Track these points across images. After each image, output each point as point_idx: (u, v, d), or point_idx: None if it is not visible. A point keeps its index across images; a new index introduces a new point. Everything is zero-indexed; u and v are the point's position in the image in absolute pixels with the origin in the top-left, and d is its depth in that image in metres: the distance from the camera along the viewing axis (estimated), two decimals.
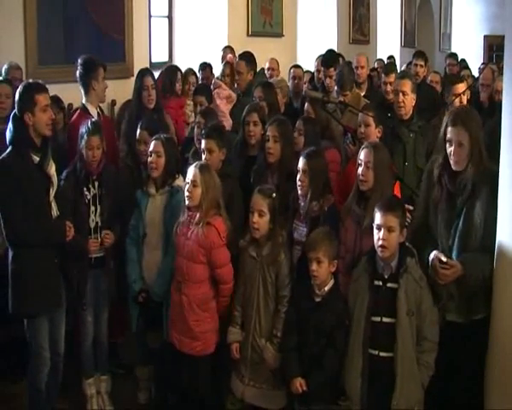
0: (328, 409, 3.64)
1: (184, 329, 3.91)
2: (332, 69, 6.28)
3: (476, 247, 3.42)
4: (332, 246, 3.60)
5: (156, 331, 4.26)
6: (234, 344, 3.85)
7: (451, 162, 3.49)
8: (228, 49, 7.51)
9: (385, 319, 3.37)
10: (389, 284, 3.38)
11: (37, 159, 3.76)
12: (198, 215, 3.85)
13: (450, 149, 3.48)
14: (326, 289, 3.59)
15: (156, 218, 4.19)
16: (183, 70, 6.75)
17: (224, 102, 6.01)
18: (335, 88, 5.92)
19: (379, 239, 3.36)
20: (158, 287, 4.13)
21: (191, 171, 3.88)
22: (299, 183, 3.94)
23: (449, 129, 3.49)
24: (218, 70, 7.19)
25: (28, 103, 3.73)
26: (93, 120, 4.52)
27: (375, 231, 3.39)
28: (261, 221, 3.75)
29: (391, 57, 10.60)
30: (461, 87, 5.71)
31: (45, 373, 3.93)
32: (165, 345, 4.17)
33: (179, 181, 4.23)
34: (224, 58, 7.31)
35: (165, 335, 4.13)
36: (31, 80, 3.97)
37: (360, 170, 3.78)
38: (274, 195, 3.81)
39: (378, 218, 3.39)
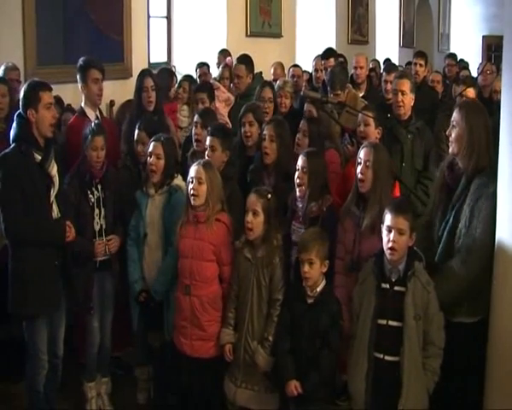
0: (327, 409, 3.65)
1: (196, 332, 3.88)
2: (332, 59, 6.27)
3: (459, 243, 3.43)
4: (324, 246, 3.58)
5: (157, 331, 4.25)
6: (227, 346, 3.82)
7: (450, 147, 3.56)
8: (224, 52, 7.48)
9: (391, 323, 3.34)
10: (396, 288, 3.35)
11: (38, 158, 3.74)
12: (205, 213, 3.84)
13: (448, 132, 3.58)
14: (318, 290, 3.58)
15: (156, 218, 4.18)
16: (181, 71, 6.75)
17: (222, 104, 6.01)
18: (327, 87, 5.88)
19: (389, 241, 3.33)
20: (158, 285, 4.12)
21: (195, 168, 3.86)
22: (297, 181, 3.93)
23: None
24: (214, 71, 7.20)
25: (32, 100, 3.74)
26: (96, 121, 4.52)
27: (385, 232, 3.36)
28: (255, 221, 3.73)
29: (387, 60, 10.59)
30: (470, 92, 5.81)
31: (43, 375, 3.91)
32: (167, 345, 4.17)
33: (178, 180, 4.23)
34: (220, 61, 7.29)
35: (166, 335, 4.13)
36: (36, 79, 3.97)
37: (359, 168, 3.76)
38: (269, 196, 3.79)
39: (389, 219, 3.35)
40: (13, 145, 3.76)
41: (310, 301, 3.58)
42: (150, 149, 4.18)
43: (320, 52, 7.27)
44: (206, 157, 4.20)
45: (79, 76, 4.96)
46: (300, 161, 3.94)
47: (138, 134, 4.53)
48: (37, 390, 3.92)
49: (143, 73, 5.38)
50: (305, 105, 5.07)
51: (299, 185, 3.93)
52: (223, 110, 5.87)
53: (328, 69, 6.15)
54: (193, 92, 6.00)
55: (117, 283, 4.35)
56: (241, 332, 3.79)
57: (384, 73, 6.53)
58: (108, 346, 4.45)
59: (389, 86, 5.92)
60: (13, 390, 4.45)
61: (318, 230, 3.71)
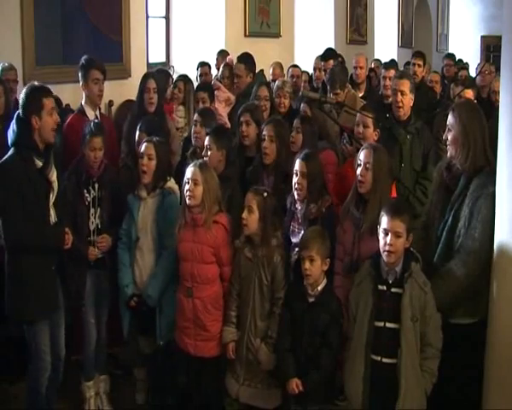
0: (326, 409, 3.64)
1: (200, 332, 3.89)
2: (331, 61, 6.26)
3: (457, 244, 3.44)
4: (325, 244, 3.59)
5: (148, 337, 4.24)
6: (230, 344, 3.84)
7: (448, 150, 3.56)
8: (223, 53, 7.47)
9: (388, 325, 3.33)
10: (393, 289, 3.35)
11: (39, 164, 3.74)
12: (203, 216, 3.84)
13: (445, 135, 3.58)
14: (319, 288, 3.58)
15: (148, 221, 4.16)
16: (180, 71, 6.73)
17: (222, 104, 6.00)
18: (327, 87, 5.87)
19: (385, 244, 3.32)
20: (152, 290, 4.09)
21: (191, 170, 3.87)
22: (296, 186, 3.92)
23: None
24: (214, 73, 7.18)
25: (35, 106, 3.72)
26: (96, 121, 4.52)
27: (382, 235, 3.36)
28: (249, 218, 3.74)
29: (392, 61, 10.62)
30: (468, 93, 5.80)
31: (46, 377, 3.90)
32: (159, 350, 4.17)
33: (171, 183, 4.22)
34: (218, 63, 7.28)
35: (158, 340, 4.12)
36: (36, 83, 3.94)
37: (359, 170, 3.76)
38: (265, 194, 3.80)
39: (385, 222, 3.35)
40: (12, 151, 3.74)
41: (311, 300, 3.59)
42: (142, 149, 4.18)
43: (319, 52, 7.28)
44: (204, 157, 4.21)
45: (80, 75, 4.98)
46: (298, 166, 3.93)
47: (139, 135, 4.54)
48: (40, 392, 3.91)
49: (146, 75, 5.42)
50: (301, 105, 5.07)
51: (299, 190, 3.92)
52: (222, 110, 5.86)
53: (328, 70, 6.15)
54: (192, 92, 6.00)
55: (111, 281, 4.34)
56: (243, 330, 3.81)
57: (383, 70, 6.54)
58: (104, 343, 4.46)
59: (388, 82, 5.90)
60: (12, 391, 4.45)
61: (320, 228, 3.72)
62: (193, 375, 4.00)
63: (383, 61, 8.87)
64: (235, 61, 6.66)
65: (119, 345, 4.73)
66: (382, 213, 3.40)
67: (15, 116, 3.80)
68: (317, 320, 3.53)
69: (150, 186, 4.18)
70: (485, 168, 3.46)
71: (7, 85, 4.95)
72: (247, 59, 6.42)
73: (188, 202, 3.85)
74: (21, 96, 3.80)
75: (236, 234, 3.90)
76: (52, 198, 3.84)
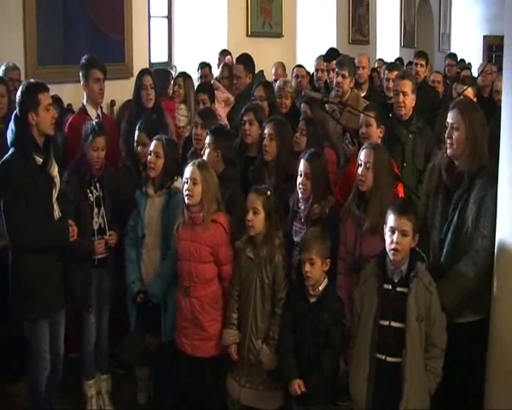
0: (328, 409, 3.64)
1: (197, 332, 3.89)
2: (334, 62, 6.27)
3: (465, 243, 3.42)
4: (324, 245, 3.58)
5: (154, 333, 4.24)
6: (232, 346, 3.83)
7: (447, 149, 3.51)
8: (224, 53, 7.46)
9: (393, 324, 3.33)
10: (399, 289, 3.35)
11: (40, 160, 3.74)
12: (201, 215, 3.84)
13: (447, 134, 3.52)
14: (320, 288, 3.58)
15: (155, 219, 4.17)
16: (182, 70, 6.73)
17: (221, 105, 5.99)
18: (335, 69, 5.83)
19: (392, 242, 3.32)
20: (156, 288, 4.10)
21: (189, 169, 3.87)
22: (300, 186, 3.92)
23: (448, 114, 3.53)
24: (216, 72, 7.18)
25: (31, 103, 3.72)
26: (98, 120, 4.52)
27: (388, 233, 3.36)
28: (256, 219, 3.74)
29: (398, 59, 10.63)
30: (469, 92, 5.80)
31: (45, 375, 3.91)
32: (163, 348, 4.17)
33: (178, 183, 4.21)
34: (220, 62, 7.28)
35: (163, 337, 4.13)
36: (32, 80, 3.94)
37: (360, 170, 3.76)
38: (269, 193, 3.79)
39: (392, 220, 3.35)
40: (13, 150, 3.74)
41: (312, 300, 3.58)
42: (151, 147, 4.19)
43: (321, 52, 7.26)
44: (203, 155, 4.22)
45: (81, 74, 4.98)
46: (302, 166, 3.92)
47: (138, 135, 4.53)
48: (40, 391, 3.92)
49: (142, 72, 5.42)
50: (302, 105, 5.06)
51: (303, 190, 3.92)
52: (221, 110, 5.86)
53: (331, 71, 6.15)
54: (192, 88, 5.99)
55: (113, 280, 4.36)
56: (244, 332, 3.80)
57: (386, 71, 6.53)
58: (106, 342, 4.47)
59: (391, 84, 5.89)
60: (11, 390, 4.45)
61: (319, 229, 3.71)
62: (192, 375, 3.99)
63: (386, 61, 8.88)
64: (234, 61, 6.65)
65: (118, 344, 4.73)
66: (389, 211, 3.40)
67: (13, 116, 3.80)
68: (318, 320, 3.52)
69: (157, 185, 4.18)
70: (487, 167, 3.45)
71: (9, 85, 4.96)
72: (246, 60, 6.41)
73: (187, 201, 3.84)
74: (17, 94, 3.81)
75: (238, 235, 3.88)
76: (55, 193, 3.85)
